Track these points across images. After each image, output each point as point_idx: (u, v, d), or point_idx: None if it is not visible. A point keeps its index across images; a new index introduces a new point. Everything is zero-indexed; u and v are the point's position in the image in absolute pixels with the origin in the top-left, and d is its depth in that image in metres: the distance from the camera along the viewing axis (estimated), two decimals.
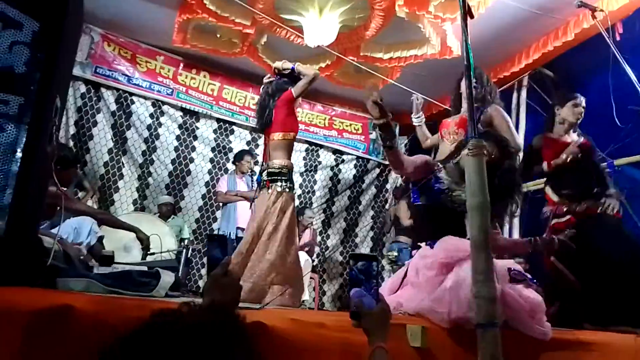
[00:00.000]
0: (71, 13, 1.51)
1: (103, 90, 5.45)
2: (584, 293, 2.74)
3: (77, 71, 5.21)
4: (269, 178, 3.20)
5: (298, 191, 6.33)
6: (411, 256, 1.27)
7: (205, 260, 5.49)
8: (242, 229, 5.13)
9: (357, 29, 4.57)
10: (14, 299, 1.27)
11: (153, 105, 5.72)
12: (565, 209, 3.07)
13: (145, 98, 5.66)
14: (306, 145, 6.51)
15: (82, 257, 1.96)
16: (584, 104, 3.24)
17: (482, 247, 1.48)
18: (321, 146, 6.55)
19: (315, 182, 6.53)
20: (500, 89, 5.00)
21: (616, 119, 3.78)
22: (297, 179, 6.31)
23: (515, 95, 5.10)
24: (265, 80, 3.68)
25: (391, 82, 5.08)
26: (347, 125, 6.69)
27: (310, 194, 6.46)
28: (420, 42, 4.72)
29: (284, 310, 1.97)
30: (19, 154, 1.37)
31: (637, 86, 2.01)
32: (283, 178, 3.19)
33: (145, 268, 1.76)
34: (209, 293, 1.18)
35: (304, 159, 6.51)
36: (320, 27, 4.30)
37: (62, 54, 1.50)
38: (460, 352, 1.50)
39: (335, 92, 6.22)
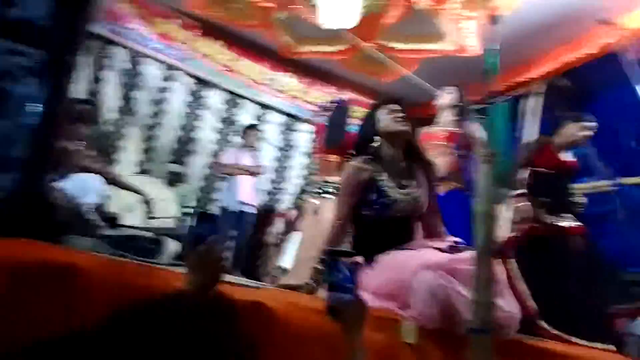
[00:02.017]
0: None
1: (115, 47, 5.38)
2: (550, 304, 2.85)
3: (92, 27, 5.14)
4: None
5: (301, 172, 6.37)
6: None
7: None
8: (244, 203, 5.17)
9: (376, 15, 4.52)
10: (21, 251, 1.29)
11: (166, 68, 5.66)
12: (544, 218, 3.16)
13: (158, 61, 5.59)
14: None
15: (88, 216, 1.97)
16: (594, 128, 3.34)
17: (486, 254, 1.50)
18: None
19: None
20: (513, 94, 5.02)
21: (626, 138, 3.78)
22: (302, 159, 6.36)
23: (529, 101, 5.08)
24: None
25: (407, 74, 5.04)
26: (353, 112, 6.64)
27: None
28: (438, 36, 4.68)
29: (282, 292, 2.00)
30: (35, 108, 1.37)
31: None
32: None
33: (150, 234, 1.78)
34: (192, 270, 1.18)
35: None
36: (339, 9, 4.23)
37: (84, 8, 1.49)
38: (450, 352, 1.53)
39: (347, 76, 6.19)
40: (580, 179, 4.05)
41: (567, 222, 3.16)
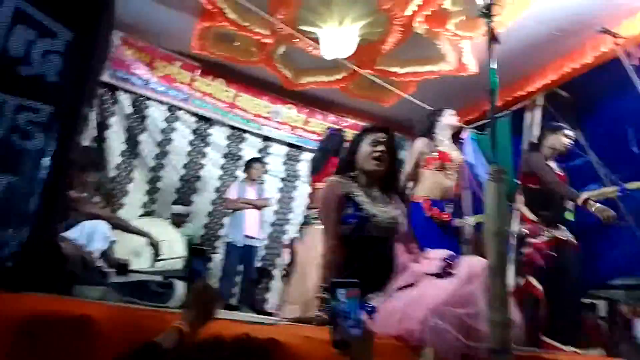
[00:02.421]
0: (104, 23, 1.54)
1: (119, 93, 5.49)
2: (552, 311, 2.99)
3: None
4: None
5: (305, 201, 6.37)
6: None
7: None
8: (250, 237, 5.14)
9: (374, 43, 4.60)
10: (35, 306, 1.28)
11: (168, 110, 5.76)
12: (544, 231, 3.29)
13: (161, 102, 5.70)
14: None
15: (96, 264, 1.97)
16: (572, 137, 3.52)
17: (499, 273, 1.48)
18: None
19: None
20: (515, 108, 5.04)
21: (629, 143, 3.79)
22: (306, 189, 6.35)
23: (529, 114, 5.08)
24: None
25: (406, 96, 5.09)
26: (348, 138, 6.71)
27: None
28: (437, 58, 4.74)
29: (297, 326, 1.97)
30: (46, 162, 1.39)
31: None
32: None
33: (160, 278, 1.77)
34: (191, 307, 1.16)
35: None
36: (338, 40, 4.32)
37: (93, 64, 1.52)
38: None
39: (348, 103, 6.25)
40: (586, 186, 4.05)
41: (564, 233, 3.24)
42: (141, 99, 5.60)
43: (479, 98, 4.71)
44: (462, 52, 4.53)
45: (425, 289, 1.70)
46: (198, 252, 1.42)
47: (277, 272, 5.85)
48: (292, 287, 3.83)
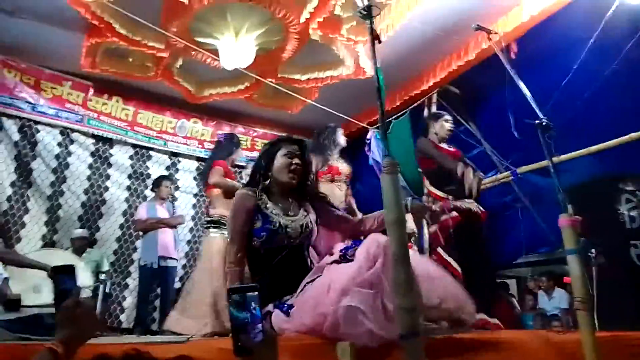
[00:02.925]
0: None
1: (4, 119, 5.07)
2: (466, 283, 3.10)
3: None
4: None
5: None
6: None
7: (115, 292, 5.24)
8: (165, 258, 4.92)
9: (274, 51, 4.63)
10: None
11: (61, 133, 5.40)
12: (452, 206, 3.46)
13: (52, 126, 5.33)
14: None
15: None
16: (451, 122, 3.83)
17: (402, 260, 1.54)
18: (244, 167, 6.52)
19: None
20: (411, 106, 5.31)
21: (515, 132, 4.11)
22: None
23: (426, 111, 5.38)
24: None
25: (310, 102, 5.18)
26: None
27: None
28: (336, 63, 4.87)
29: (211, 340, 1.91)
30: None
31: (530, 101, 2.20)
32: None
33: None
34: (63, 326, 1.09)
35: None
36: (236, 50, 4.30)
37: None
38: None
39: (256, 113, 6.23)
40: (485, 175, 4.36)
41: (473, 205, 3.43)
42: (29, 123, 5.20)
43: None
44: (358, 56, 4.69)
45: (330, 275, 1.77)
46: (64, 269, 1.33)
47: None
48: (188, 300, 3.67)
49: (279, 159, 2.19)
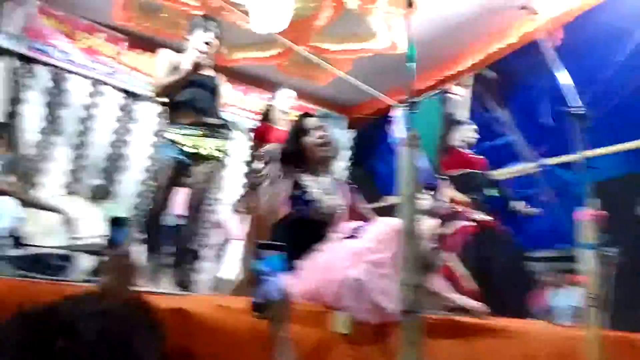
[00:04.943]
0: None
1: (37, 66, 5.13)
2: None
3: (10, 45, 4.89)
4: None
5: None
6: None
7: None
8: (180, 216, 4.96)
9: (307, 19, 4.54)
10: None
11: (92, 84, 5.44)
12: (473, 215, 3.37)
13: (84, 77, 5.37)
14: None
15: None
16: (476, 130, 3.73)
17: (410, 236, 1.50)
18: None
19: None
20: (444, 87, 5.17)
21: (550, 120, 3.97)
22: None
23: (459, 93, 5.23)
24: None
25: (341, 74, 5.08)
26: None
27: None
28: (369, 35, 4.75)
29: (210, 296, 1.93)
30: None
31: (571, 91, 2.09)
32: None
33: (62, 251, 1.66)
34: (108, 273, 1.13)
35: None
36: (271, 14, 4.22)
37: None
38: (384, 338, 1.51)
39: (285, 82, 6.15)
40: (507, 164, 4.24)
41: (483, 216, 3.38)
42: (62, 72, 5.24)
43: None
44: (394, 30, 4.56)
45: (340, 248, 1.82)
46: (118, 222, 1.35)
47: (206, 253, 5.72)
48: None
49: (310, 139, 2.23)
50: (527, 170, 4.54)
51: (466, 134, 3.66)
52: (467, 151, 3.65)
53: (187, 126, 2.78)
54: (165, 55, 3.00)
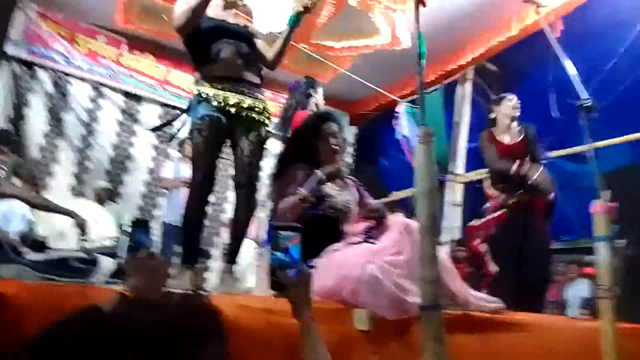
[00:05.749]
0: None
1: (38, 70, 5.14)
2: (502, 279, 2.97)
3: (10, 50, 4.91)
4: None
5: None
6: None
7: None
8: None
9: (308, 16, 4.52)
10: None
11: (93, 87, 5.46)
12: (500, 204, 3.21)
13: (85, 80, 5.39)
14: None
15: (12, 244, 1.83)
16: (517, 101, 3.38)
17: (428, 232, 1.51)
18: (272, 134, 6.49)
19: None
20: (445, 82, 5.17)
21: (556, 112, 3.96)
22: None
23: (459, 88, 5.24)
24: None
25: (343, 71, 5.09)
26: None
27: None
28: (371, 32, 4.75)
29: (232, 296, 1.94)
30: None
31: (576, 81, 2.10)
32: None
33: (82, 254, 1.67)
34: (135, 275, 1.12)
35: None
36: (273, 13, 4.22)
37: None
38: (405, 334, 1.53)
39: (284, 80, 6.16)
40: None
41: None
42: (63, 76, 5.27)
43: (413, 72, 4.79)
44: (395, 25, 4.57)
45: (356, 247, 1.84)
46: (140, 224, 1.36)
47: (216, 252, 5.76)
48: None
49: (322, 145, 2.23)
50: None
51: (501, 114, 3.40)
52: (503, 137, 3.39)
53: (222, 80, 2.37)
54: None
